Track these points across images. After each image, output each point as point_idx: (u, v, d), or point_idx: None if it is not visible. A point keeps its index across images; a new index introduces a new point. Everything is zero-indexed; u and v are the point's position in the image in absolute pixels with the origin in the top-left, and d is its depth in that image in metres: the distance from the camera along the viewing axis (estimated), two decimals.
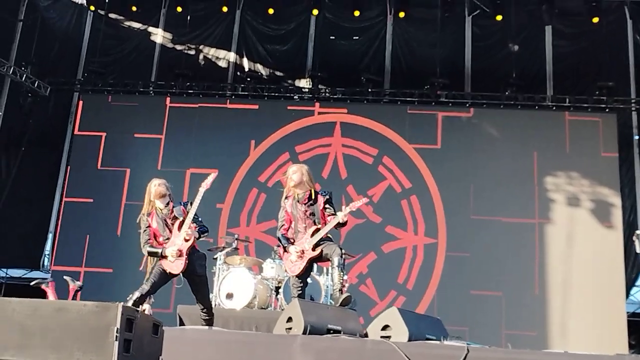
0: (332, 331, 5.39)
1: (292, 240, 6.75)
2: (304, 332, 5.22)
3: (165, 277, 6.38)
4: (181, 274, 6.39)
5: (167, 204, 6.54)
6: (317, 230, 6.63)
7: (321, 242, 6.62)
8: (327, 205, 6.75)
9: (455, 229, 13.07)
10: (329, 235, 6.70)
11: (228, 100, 14.38)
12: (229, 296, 8.72)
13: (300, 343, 5.08)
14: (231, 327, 7.53)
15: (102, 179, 13.85)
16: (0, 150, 14.68)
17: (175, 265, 6.31)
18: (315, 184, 6.93)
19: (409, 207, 13.26)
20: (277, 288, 8.95)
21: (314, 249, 6.60)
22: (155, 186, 6.53)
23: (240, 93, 14.48)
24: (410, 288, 12.88)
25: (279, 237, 6.83)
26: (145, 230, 6.47)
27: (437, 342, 5.38)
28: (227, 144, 13.79)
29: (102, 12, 15.14)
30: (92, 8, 15.19)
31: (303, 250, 6.61)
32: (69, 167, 14.43)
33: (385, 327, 5.41)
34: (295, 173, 6.80)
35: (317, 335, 5.23)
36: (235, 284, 8.78)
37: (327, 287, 8.81)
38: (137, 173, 13.43)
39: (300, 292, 6.65)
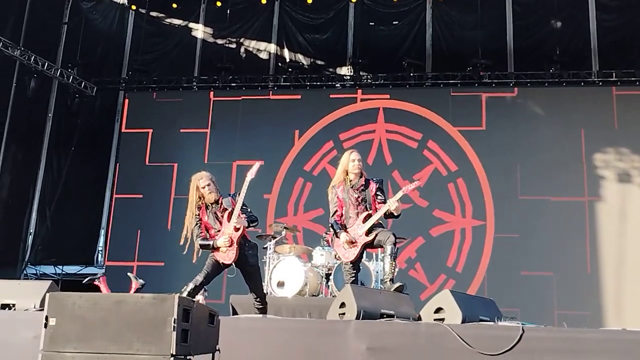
0: (385, 316, 5.41)
1: (344, 227, 6.78)
2: (357, 317, 5.24)
3: (218, 268, 6.47)
4: (234, 264, 6.47)
5: (217, 200, 6.61)
6: (369, 215, 6.64)
7: (374, 228, 6.63)
8: (378, 193, 6.77)
9: (503, 210, 12.96)
10: (381, 222, 6.72)
11: (270, 92, 14.47)
12: (280, 284, 8.80)
13: (354, 328, 5.11)
14: (283, 315, 7.59)
15: (150, 175, 14.11)
16: (51, 151, 15.07)
17: (227, 255, 6.39)
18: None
19: (456, 190, 13.18)
20: (327, 275, 9.00)
21: (367, 234, 6.62)
22: (205, 190, 6.51)
23: (282, 84, 14.56)
24: (460, 271, 12.82)
25: (332, 223, 6.84)
26: (197, 224, 6.54)
27: (492, 323, 5.36)
28: (271, 134, 13.87)
29: (144, 11, 15.38)
30: (134, 7, 15.48)
31: (357, 237, 6.64)
32: (117, 164, 14.73)
33: (438, 310, 5.41)
34: (360, 161, 6.82)
35: (370, 320, 5.26)
36: (286, 272, 8.86)
37: (377, 272, 8.84)
38: (184, 167, 13.59)
39: (354, 277, 6.69)
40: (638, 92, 13.22)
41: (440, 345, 4.95)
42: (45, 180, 14.92)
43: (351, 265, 6.73)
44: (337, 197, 6.84)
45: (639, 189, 12.69)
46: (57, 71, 14.42)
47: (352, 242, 6.64)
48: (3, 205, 13.96)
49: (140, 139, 14.32)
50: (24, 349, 5.22)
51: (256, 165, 6.56)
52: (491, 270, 12.68)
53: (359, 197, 6.75)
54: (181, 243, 6.60)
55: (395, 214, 6.60)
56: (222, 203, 6.56)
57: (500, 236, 12.82)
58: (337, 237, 6.78)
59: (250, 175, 6.50)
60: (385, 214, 6.65)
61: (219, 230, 6.50)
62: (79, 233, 14.95)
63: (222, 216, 6.50)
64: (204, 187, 6.54)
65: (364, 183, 6.79)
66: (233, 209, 6.43)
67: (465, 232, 12.98)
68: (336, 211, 6.85)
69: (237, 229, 6.38)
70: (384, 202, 6.68)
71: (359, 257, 6.74)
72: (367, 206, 6.72)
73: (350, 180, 6.81)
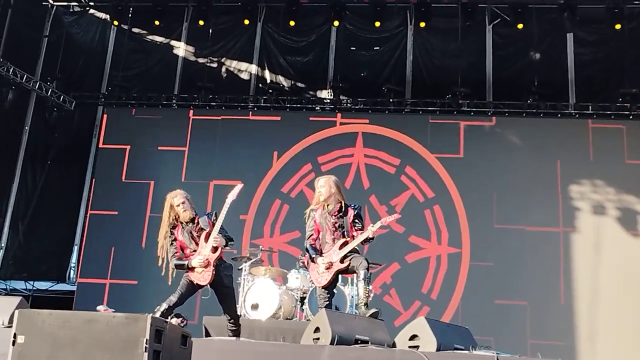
0: (360, 341, 5.38)
1: (320, 251, 6.75)
2: (332, 343, 5.21)
3: (192, 288, 6.39)
4: (208, 285, 6.40)
5: (192, 218, 6.54)
6: (346, 243, 6.63)
7: (348, 254, 6.62)
8: (356, 220, 6.76)
9: (478, 238, 13.00)
10: (356, 247, 6.71)
11: (250, 112, 14.44)
12: (254, 307, 8.74)
13: (328, 354, 5.08)
14: (257, 337, 7.54)
15: (126, 192, 13.96)
16: (27, 164, 14.93)
17: (202, 276, 6.32)
18: (343, 195, 6.91)
19: (432, 216, 13.21)
20: (302, 299, 8.95)
21: (342, 261, 6.60)
22: (180, 208, 6.46)
23: (262, 105, 14.56)
24: (435, 298, 12.81)
25: (307, 247, 6.82)
26: (172, 244, 6.47)
27: (466, 352, 5.34)
28: (250, 155, 13.83)
29: (126, 27, 15.31)
30: (116, 23, 15.39)
31: (331, 263, 6.61)
32: (93, 180, 14.58)
33: (413, 337, 5.40)
34: (323, 187, 6.80)
35: (345, 346, 5.22)
36: (260, 294, 8.80)
37: (352, 297, 8.80)
38: (161, 185, 13.49)
39: (327, 302, 6.66)
40: (613, 126, 13.39)
41: None
42: (19, 193, 14.75)
43: (324, 290, 6.70)
44: (314, 221, 6.82)
45: (613, 221, 12.79)
46: (35, 84, 14.31)
47: (328, 267, 6.61)
48: None
49: (117, 155, 14.18)
50: None
51: (238, 187, 6.52)
52: (466, 298, 12.68)
53: (336, 222, 6.74)
54: (159, 264, 6.52)
55: (371, 237, 6.60)
56: (198, 222, 6.50)
57: (475, 264, 12.85)
58: (312, 261, 6.75)
59: (232, 197, 6.45)
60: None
61: (194, 250, 6.44)
62: (51, 249, 14.76)
63: (199, 236, 6.44)
64: (178, 205, 6.49)
65: (339, 209, 6.77)
66: (210, 230, 6.38)
67: (440, 259, 13.00)
68: (311, 235, 6.83)
69: (214, 250, 6.32)
70: (362, 229, 6.68)
71: (332, 282, 6.71)
72: (345, 233, 6.70)
73: (328, 205, 6.79)
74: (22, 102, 14.74)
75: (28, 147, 15.00)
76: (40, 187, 14.69)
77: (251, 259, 9.52)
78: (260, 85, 15.01)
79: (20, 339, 4.09)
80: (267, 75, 15.07)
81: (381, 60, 14.78)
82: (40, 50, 15.22)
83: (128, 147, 14.25)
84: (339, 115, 14.14)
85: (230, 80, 15.12)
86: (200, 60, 15.30)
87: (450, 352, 5.24)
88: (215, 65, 15.21)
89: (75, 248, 14.77)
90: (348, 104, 14.38)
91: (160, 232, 6.59)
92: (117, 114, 14.82)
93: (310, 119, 14.28)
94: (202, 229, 6.45)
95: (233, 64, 15.28)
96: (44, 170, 14.76)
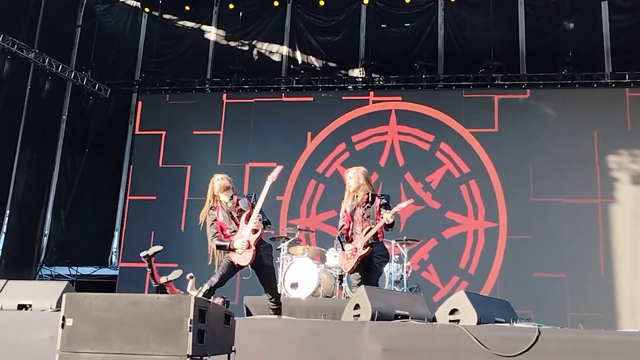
0: (400, 316, 5.41)
1: (350, 240, 6.91)
2: (372, 319, 5.25)
3: (233, 269, 6.48)
4: (249, 266, 6.49)
5: (232, 197, 6.62)
6: (370, 229, 6.74)
7: (375, 244, 6.77)
8: (382, 209, 6.83)
9: (515, 212, 12.91)
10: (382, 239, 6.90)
11: (283, 94, 14.49)
12: (294, 286, 8.81)
13: (369, 329, 5.12)
14: (297, 316, 7.60)
15: (164, 176, 14.15)
16: (66, 153, 15.18)
17: (243, 257, 6.40)
18: (372, 186, 7.04)
19: (468, 191, 13.15)
20: (341, 276, 9.00)
21: (364, 247, 6.71)
22: (219, 180, 6.62)
23: (294, 86, 14.57)
24: (472, 273, 12.79)
25: (338, 236, 7.03)
26: (212, 224, 6.56)
27: (507, 324, 5.35)
28: (284, 136, 13.89)
29: (157, 14, 15.45)
30: (147, 10, 15.57)
31: (356, 248, 6.76)
32: (131, 166, 14.79)
33: (453, 311, 5.41)
34: (351, 178, 6.95)
35: (385, 321, 5.27)
36: (299, 273, 8.87)
37: (391, 274, 8.85)
38: (197, 169, 13.67)
39: (359, 283, 6.76)
40: None
41: (455, 347, 4.96)
42: (60, 181, 15.02)
43: (354, 273, 6.86)
44: (346, 212, 6.97)
45: None
46: (71, 73, 14.52)
47: (353, 253, 6.73)
48: (18, 207, 14.06)
49: (153, 140, 14.37)
50: (40, 350, 5.27)
51: (277, 169, 6.64)
52: (504, 272, 12.64)
53: (364, 213, 6.87)
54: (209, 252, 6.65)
55: (388, 223, 6.73)
56: (237, 203, 6.58)
57: (512, 238, 12.79)
58: (343, 249, 6.96)
59: (271, 179, 6.55)
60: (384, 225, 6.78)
61: (234, 231, 6.51)
62: (93, 234, 15.04)
63: (239, 217, 6.52)
64: (218, 180, 6.60)
65: (367, 199, 6.88)
66: (250, 212, 6.46)
67: (477, 234, 12.96)
68: (343, 225, 7.00)
69: (255, 231, 6.40)
70: None
71: (356, 268, 6.83)
72: (372, 222, 6.82)
73: (357, 197, 6.92)
74: (59, 92, 14.94)
75: (66, 135, 15.24)
76: (80, 175, 14.92)
77: (289, 239, 9.60)
78: (292, 66, 15.03)
79: (69, 322, 4.17)
80: (299, 56, 15.08)
81: (412, 37, 14.68)
82: (74, 40, 15.40)
83: (164, 132, 14.42)
84: (371, 93, 14.11)
85: (262, 63, 15.16)
86: (232, 43, 15.36)
87: (491, 325, 5.24)
88: (246, 48, 15.26)
89: (116, 233, 15.05)
90: (380, 82, 14.34)
91: (201, 213, 6.71)
92: (152, 100, 14.99)
93: (343, 98, 14.26)
94: (241, 210, 6.52)
95: (264, 46, 15.30)
96: (82, 157, 14.99)
